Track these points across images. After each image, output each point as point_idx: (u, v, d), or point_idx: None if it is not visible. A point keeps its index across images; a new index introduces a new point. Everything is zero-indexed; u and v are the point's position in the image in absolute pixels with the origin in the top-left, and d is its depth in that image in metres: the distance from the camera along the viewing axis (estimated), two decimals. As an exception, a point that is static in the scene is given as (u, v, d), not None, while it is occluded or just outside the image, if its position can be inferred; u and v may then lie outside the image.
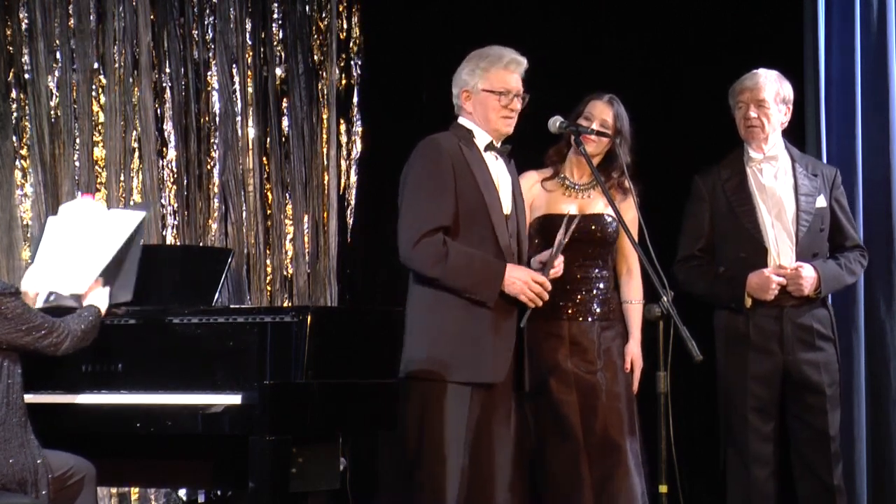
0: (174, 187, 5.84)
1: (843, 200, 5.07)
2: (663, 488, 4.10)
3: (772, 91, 4.94)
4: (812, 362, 4.89)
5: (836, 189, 5.04)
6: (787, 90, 4.99)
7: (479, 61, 4.42)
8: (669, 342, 4.05)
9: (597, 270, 4.79)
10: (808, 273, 4.85)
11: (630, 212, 4.68)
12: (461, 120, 4.47)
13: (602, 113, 4.83)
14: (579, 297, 4.78)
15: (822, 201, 4.96)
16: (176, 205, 5.84)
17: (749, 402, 4.89)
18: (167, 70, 5.85)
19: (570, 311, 4.77)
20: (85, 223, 4.29)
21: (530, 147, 4.97)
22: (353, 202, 6.43)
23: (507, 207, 4.40)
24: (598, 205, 4.84)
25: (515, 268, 4.30)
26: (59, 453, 3.85)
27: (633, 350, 4.84)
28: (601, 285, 4.81)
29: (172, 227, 5.84)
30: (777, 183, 4.97)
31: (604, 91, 4.91)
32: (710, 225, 5.02)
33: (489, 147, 4.42)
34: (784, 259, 4.90)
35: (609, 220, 4.77)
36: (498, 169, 4.44)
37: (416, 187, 4.31)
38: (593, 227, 4.75)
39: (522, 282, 4.28)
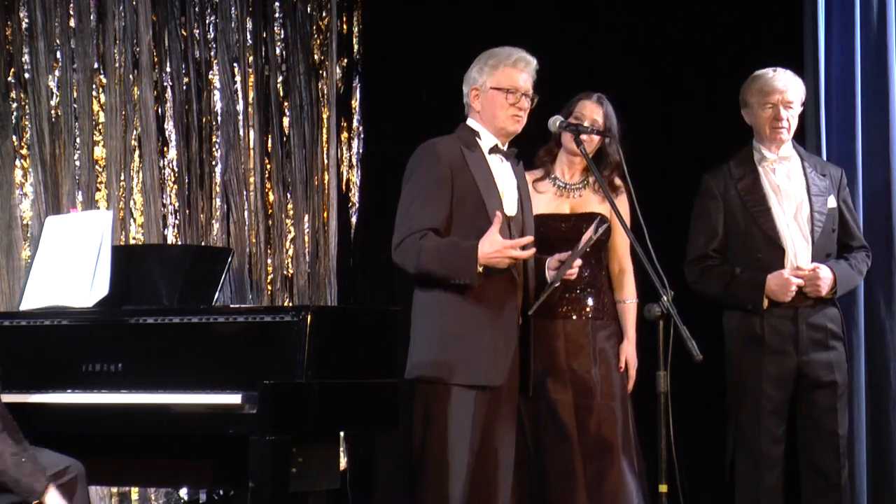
0: (175, 187, 5.84)
1: (849, 201, 5.07)
2: (663, 488, 4.09)
3: (799, 92, 4.96)
4: (825, 362, 4.89)
5: (843, 189, 5.04)
6: (804, 90, 5.01)
7: (488, 59, 4.42)
8: (669, 342, 4.05)
9: (590, 270, 4.80)
10: (826, 274, 4.84)
11: (622, 209, 4.68)
12: (469, 121, 4.47)
13: (592, 113, 4.85)
14: (572, 295, 4.80)
15: (832, 202, 4.96)
16: (177, 204, 5.84)
17: (764, 405, 4.87)
18: (168, 69, 5.85)
19: (563, 310, 4.79)
20: (65, 234, 4.34)
21: (533, 147, 4.99)
22: (353, 202, 6.43)
23: (510, 209, 4.39)
24: (589, 204, 4.86)
25: (484, 242, 4.17)
26: (47, 452, 3.81)
27: (628, 350, 4.86)
28: (595, 284, 4.83)
29: (173, 227, 5.84)
30: (791, 183, 4.96)
31: (602, 91, 4.92)
32: (722, 224, 4.99)
33: (494, 149, 4.42)
34: (801, 260, 4.89)
35: (603, 223, 4.78)
36: (503, 171, 4.43)
37: (409, 193, 4.32)
38: (585, 227, 4.76)
39: (496, 252, 4.17)
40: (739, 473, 4.97)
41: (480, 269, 4.20)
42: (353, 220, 6.43)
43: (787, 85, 4.94)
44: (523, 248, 4.21)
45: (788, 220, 4.92)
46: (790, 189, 4.95)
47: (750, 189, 4.94)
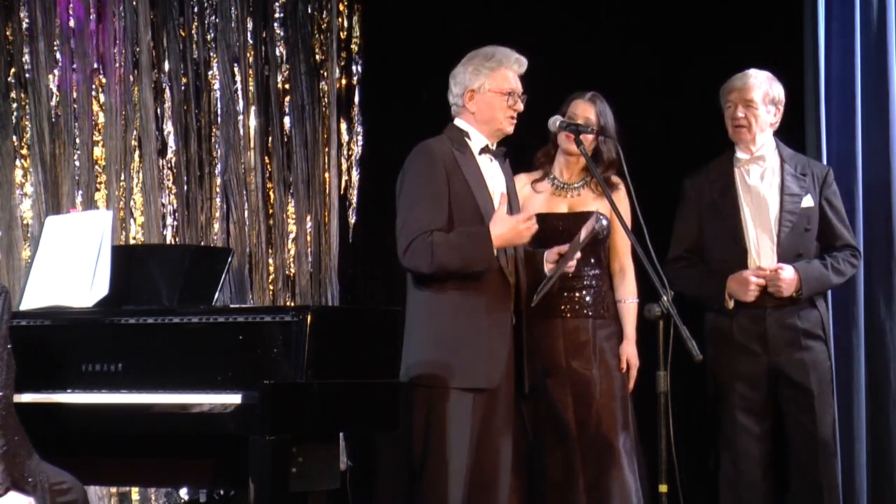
0: (174, 187, 5.84)
1: (834, 200, 5.02)
2: (663, 488, 4.10)
3: (760, 92, 4.94)
4: (798, 362, 4.88)
5: (826, 188, 5.00)
6: (776, 91, 4.98)
7: (484, 61, 4.41)
8: (669, 342, 4.05)
9: (589, 268, 4.80)
10: (787, 274, 4.83)
11: (621, 205, 4.68)
12: (457, 121, 4.47)
13: (585, 112, 4.85)
14: (573, 295, 4.79)
15: (808, 201, 4.94)
16: (176, 204, 5.84)
17: (737, 402, 4.89)
18: (167, 69, 5.85)
19: (563, 309, 4.79)
20: (65, 234, 4.34)
21: (531, 147, 4.98)
22: (354, 202, 6.43)
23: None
24: (587, 203, 4.87)
25: (495, 223, 4.24)
26: (50, 466, 3.79)
27: (628, 350, 4.85)
28: (594, 283, 4.82)
29: (173, 227, 5.84)
30: (762, 183, 4.96)
31: (601, 90, 4.92)
32: (697, 226, 5.03)
33: (484, 150, 4.42)
34: (764, 260, 4.89)
35: (600, 218, 4.79)
36: (492, 171, 4.44)
37: (410, 195, 4.32)
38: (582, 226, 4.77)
39: (510, 230, 4.24)
40: (722, 472, 5.00)
41: (495, 252, 4.24)
42: (353, 219, 6.43)
43: (746, 83, 4.94)
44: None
45: (755, 221, 4.92)
46: (762, 189, 4.95)
47: (722, 190, 4.97)
